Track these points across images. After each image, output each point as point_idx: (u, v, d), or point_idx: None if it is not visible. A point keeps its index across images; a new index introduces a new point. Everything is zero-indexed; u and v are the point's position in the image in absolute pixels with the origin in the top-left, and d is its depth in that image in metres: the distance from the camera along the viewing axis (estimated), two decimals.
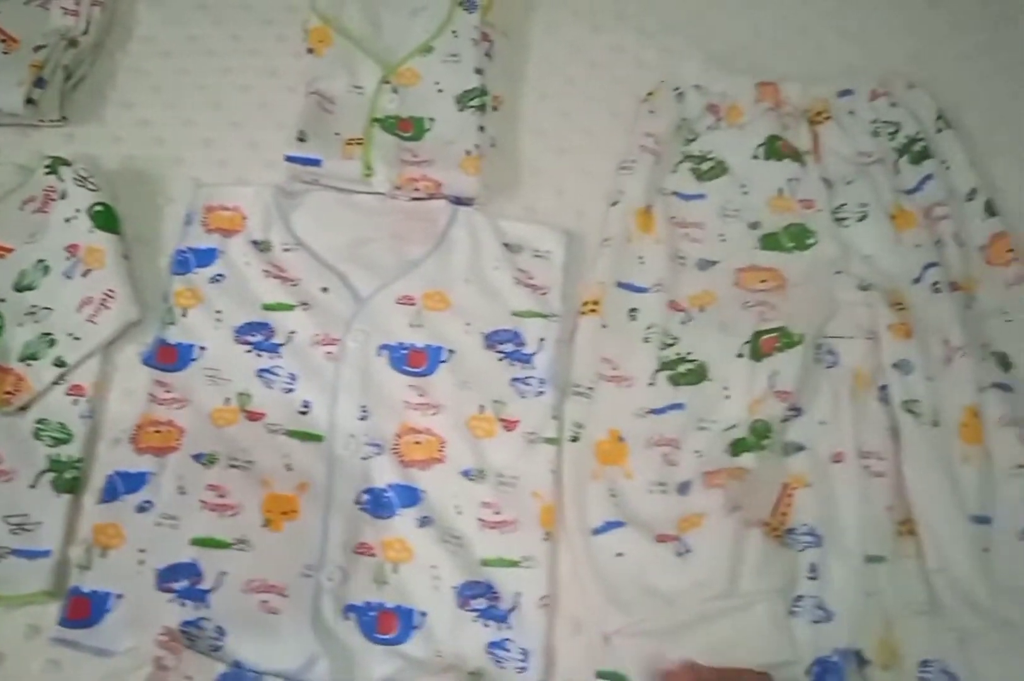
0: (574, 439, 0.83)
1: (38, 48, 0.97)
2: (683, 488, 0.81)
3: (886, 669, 0.75)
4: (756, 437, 0.80)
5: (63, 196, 0.90)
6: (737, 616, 0.75)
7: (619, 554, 0.78)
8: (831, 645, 0.75)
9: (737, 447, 0.80)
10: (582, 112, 1.02)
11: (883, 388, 0.84)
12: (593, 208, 0.95)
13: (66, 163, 0.92)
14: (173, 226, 0.93)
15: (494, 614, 0.78)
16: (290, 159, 0.92)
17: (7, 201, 0.92)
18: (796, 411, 0.84)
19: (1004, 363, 0.86)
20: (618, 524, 0.79)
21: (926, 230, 0.91)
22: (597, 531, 0.79)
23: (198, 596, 0.76)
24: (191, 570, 0.77)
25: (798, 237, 0.92)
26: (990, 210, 0.93)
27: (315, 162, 0.92)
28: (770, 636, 0.74)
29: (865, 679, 0.75)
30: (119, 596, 0.76)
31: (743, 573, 0.74)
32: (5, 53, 0.98)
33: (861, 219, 0.92)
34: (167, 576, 0.77)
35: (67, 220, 0.90)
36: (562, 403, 0.85)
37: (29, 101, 0.95)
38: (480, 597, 0.78)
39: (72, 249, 0.89)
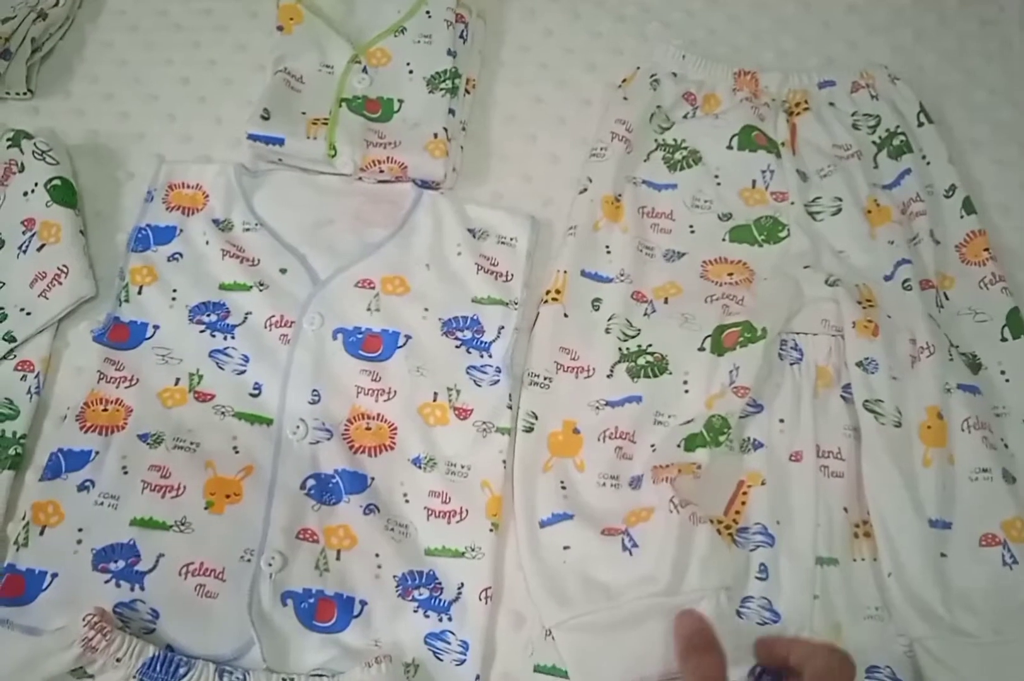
0: (528, 429, 0.81)
1: (6, 20, 0.96)
2: (635, 482, 0.79)
3: None
4: (712, 433, 0.78)
5: (21, 169, 0.89)
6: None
7: (565, 547, 0.76)
8: None
9: (691, 442, 0.78)
10: (555, 98, 1.00)
11: (847, 386, 0.82)
12: (561, 195, 0.93)
13: (28, 136, 0.90)
14: (134, 202, 0.92)
15: (435, 605, 0.76)
16: (252, 137, 0.91)
17: None
18: (757, 407, 0.82)
19: (973, 364, 0.84)
20: (566, 516, 0.77)
21: (901, 226, 0.88)
22: (544, 523, 0.77)
23: (134, 577, 0.75)
24: (129, 551, 0.76)
25: (769, 230, 0.90)
26: (968, 207, 0.90)
27: (278, 141, 0.90)
28: None
29: None
30: (54, 575, 0.75)
31: (689, 569, 0.72)
32: None
33: (835, 213, 0.90)
34: (104, 556, 0.75)
35: (24, 194, 0.89)
36: (518, 392, 0.83)
37: None
38: (422, 587, 0.76)
39: (28, 223, 0.88)
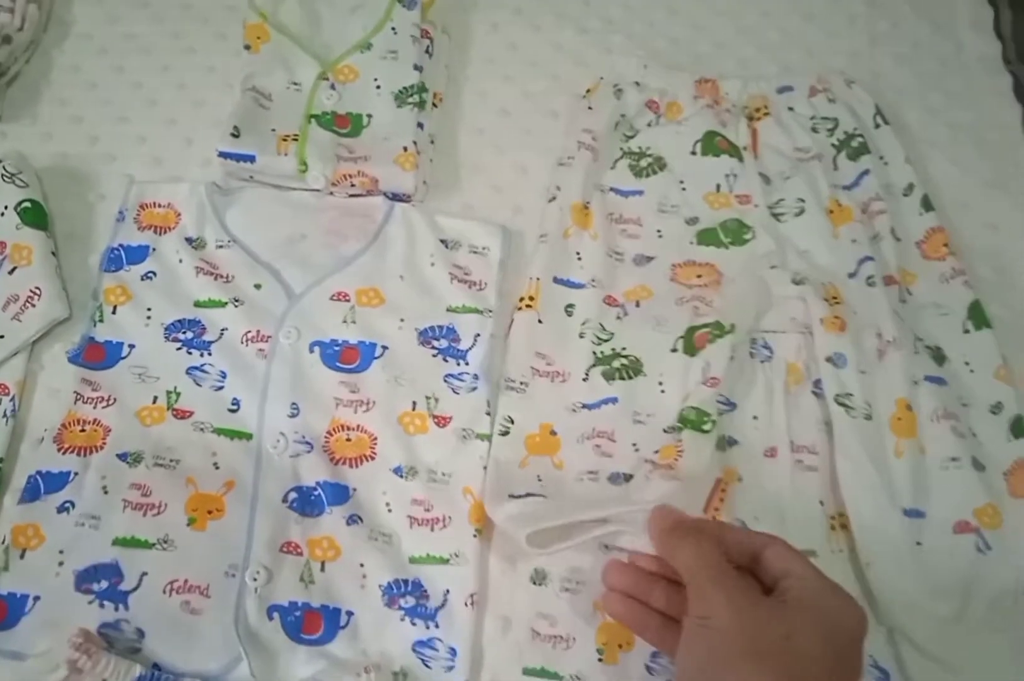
0: (504, 433, 0.81)
1: None
2: (615, 478, 0.79)
3: None
4: (691, 425, 0.79)
5: None
6: None
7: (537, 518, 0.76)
8: None
9: (675, 431, 0.80)
10: (521, 110, 1.01)
11: (817, 382, 0.83)
12: (531, 205, 0.95)
13: None
14: (105, 223, 0.92)
15: (422, 612, 0.76)
16: (223, 155, 0.91)
17: None
18: (730, 405, 0.83)
19: (938, 356, 0.85)
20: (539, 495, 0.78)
21: (863, 225, 0.90)
22: (514, 496, 0.77)
23: (118, 597, 0.75)
24: (112, 571, 0.76)
25: (735, 232, 0.91)
26: (927, 205, 0.92)
27: (249, 158, 0.91)
28: None
29: None
30: (36, 598, 0.74)
31: None
32: None
33: (798, 214, 0.91)
34: (87, 577, 0.75)
35: None
36: (496, 399, 0.84)
37: None
38: (408, 595, 0.76)
39: None
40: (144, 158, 0.97)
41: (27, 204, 0.88)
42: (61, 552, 0.76)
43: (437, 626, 0.76)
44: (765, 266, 0.88)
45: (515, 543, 0.74)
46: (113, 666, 0.70)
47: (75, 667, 0.69)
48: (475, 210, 0.95)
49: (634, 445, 0.81)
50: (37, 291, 0.85)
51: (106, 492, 0.78)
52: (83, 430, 0.81)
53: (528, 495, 0.78)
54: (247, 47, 0.98)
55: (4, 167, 0.89)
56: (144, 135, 0.98)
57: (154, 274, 0.88)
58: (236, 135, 0.91)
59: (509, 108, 1.02)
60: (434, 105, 0.98)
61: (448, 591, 0.77)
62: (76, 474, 0.79)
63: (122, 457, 0.80)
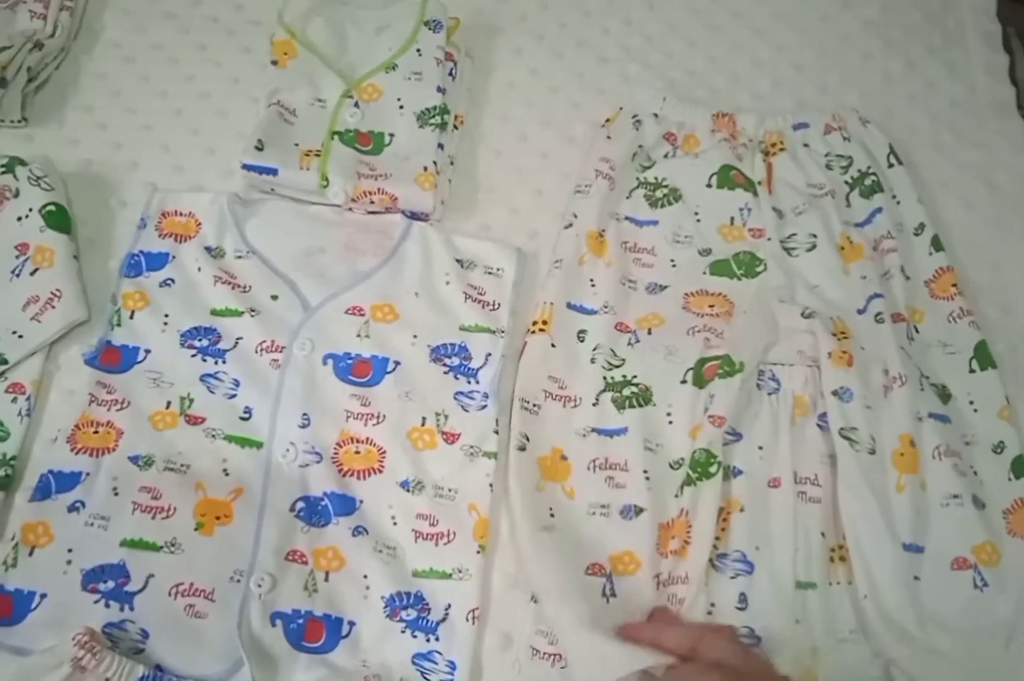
0: (521, 448, 0.83)
1: (2, 49, 0.97)
2: (626, 511, 0.80)
3: None
4: (700, 469, 0.80)
5: (16, 195, 0.90)
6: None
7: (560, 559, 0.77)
8: None
9: (683, 486, 0.81)
10: (540, 135, 1.03)
11: (823, 415, 0.85)
12: (546, 228, 0.96)
13: (23, 163, 0.92)
14: (126, 230, 0.93)
15: (423, 625, 0.77)
16: (247, 167, 0.92)
17: None
18: (736, 436, 0.84)
19: (943, 394, 0.87)
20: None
21: (873, 262, 0.92)
22: (545, 528, 0.79)
23: (124, 598, 0.76)
24: (119, 571, 0.77)
25: (747, 265, 0.93)
26: (936, 245, 0.94)
27: (272, 171, 0.92)
28: None
29: None
30: (43, 595, 0.75)
31: None
32: None
33: (810, 249, 0.93)
34: (94, 577, 0.76)
35: (19, 219, 0.90)
36: (505, 417, 0.85)
37: None
38: (410, 608, 0.77)
39: (22, 247, 0.89)
40: (166, 166, 0.98)
41: (52, 207, 0.89)
42: (70, 551, 0.77)
43: (437, 639, 0.77)
44: (775, 299, 0.89)
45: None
46: (116, 666, 0.70)
47: (79, 665, 0.70)
48: (491, 231, 0.97)
49: (645, 472, 0.82)
50: (58, 293, 0.86)
51: (116, 493, 0.79)
52: (96, 432, 0.82)
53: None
54: (274, 62, 0.99)
55: (31, 170, 0.91)
56: (167, 143, 1.00)
57: (173, 281, 0.90)
58: (260, 148, 0.93)
59: (528, 133, 1.03)
60: (455, 127, 1.00)
61: (450, 605, 0.78)
62: (88, 474, 0.80)
63: (134, 460, 0.81)
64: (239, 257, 0.92)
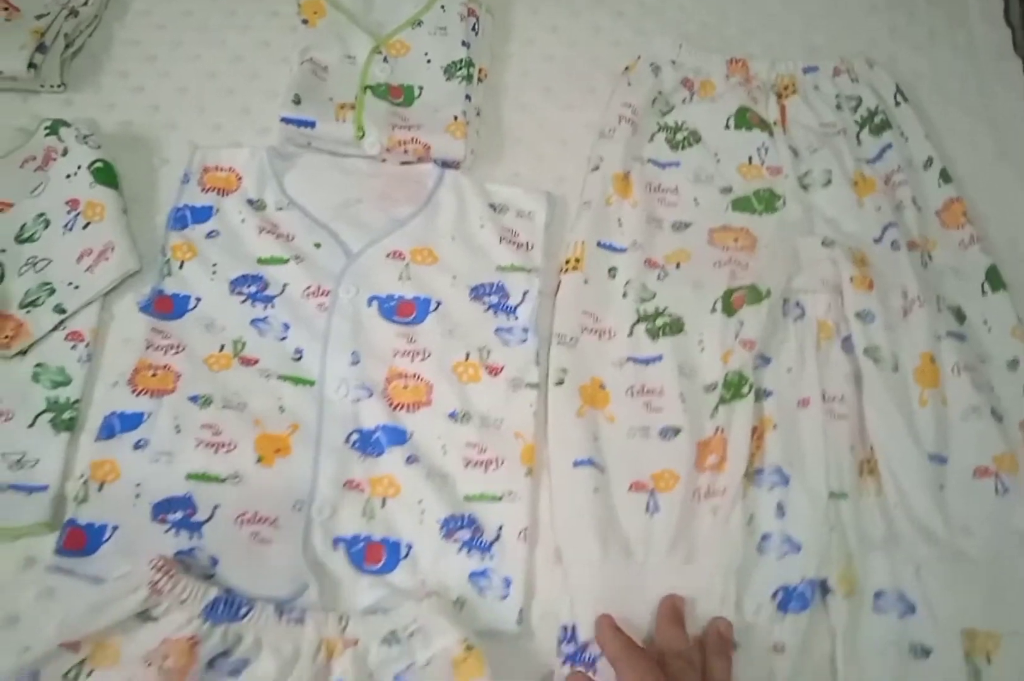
0: (559, 383, 0.86)
1: (40, 16, 1.00)
2: (665, 432, 0.85)
3: (846, 597, 0.79)
4: (733, 390, 0.85)
5: (64, 153, 0.93)
6: (691, 584, 0.79)
7: (595, 489, 0.81)
8: (799, 575, 0.79)
9: (718, 406, 0.85)
10: (561, 87, 1.07)
11: (846, 339, 0.89)
12: (572, 174, 1.00)
13: (66, 124, 0.95)
14: (169, 186, 0.96)
15: (477, 545, 0.81)
16: (285, 120, 0.96)
17: (7, 160, 0.95)
18: (766, 360, 0.88)
19: (958, 315, 0.91)
20: (597, 464, 0.83)
21: (886, 195, 0.96)
22: (578, 463, 0.82)
23: (192, 527, 0.79)
24: (185, 503, 0.80)
25: (767, 201, 0.97)
26: (945, 177, 0.99)
27: (309, 123, 0.96)
28: (719, 610, 0.78)
29: (826, 606, 0.80)
30: (115, 527, 0.78)
31: (699, 549, 0.80)
32: (7, 20, 1.00)
33: (825, 184, 0.98)
34: (162, 508, 0.80)
35: (68, 176, 0.93)
36: (544, 350, 0.89)
37: (31, 66, 0.98)
38: (464, 529, 0.81)
39: (72, 203, 0.92)
40: (204, 125, 1.02)
41: (99, 164, 0.93)
42: (137, 485, 0.80)
43: (491, 558, 0.81)
44: (795, 232, 0.94)
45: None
46: (190, 588, 0.74)
47: (156, 588, 0.73)
48: (520, 178, 1.01)
49: (681, 396, 0.86)
50: (110, 245, 0.90)
51: (179, 431, 0.83)
52: (155, 375, 0.86)
53: (588, 460, 0.83)
54: (304, 22, 1.03)
55: (78, 129, 0.94)
56: (203, 104, 1.03)
57: (218, 233, 0.93)
58: (297, 102, 0.96)
59: (550, 85, 1.08)
60: (479, 79, 1.04)
61: (501, 526, 0.82)
62: (150, 414, 0.84)
63: (193, 399, 0.85)
64: (280, 209, 0.95)
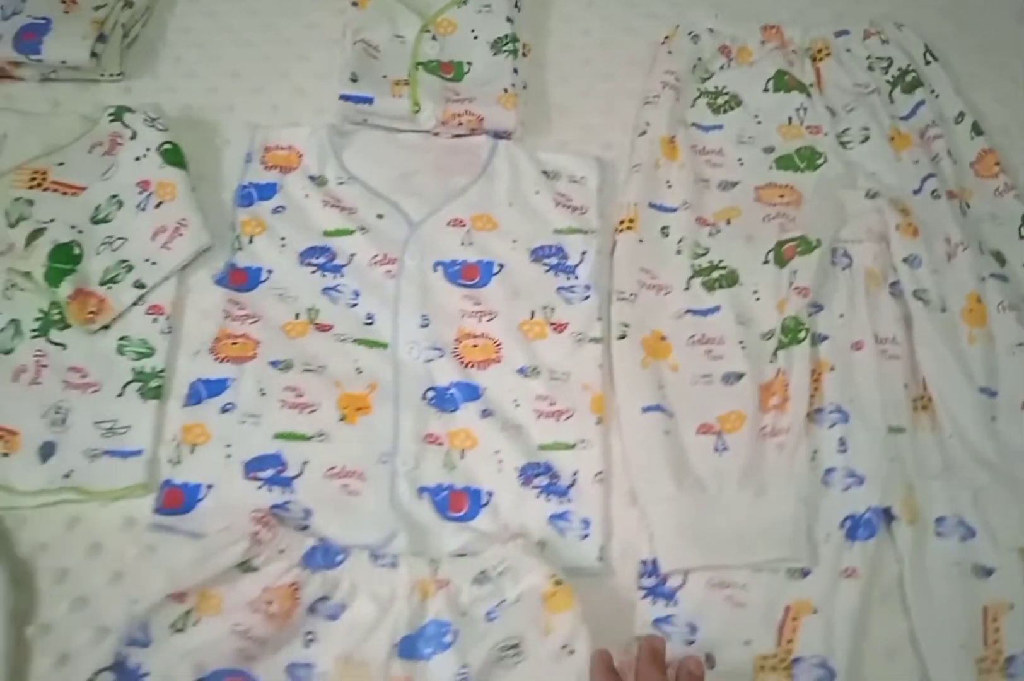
0: (622, 337, 0.90)
1: (98, 7, 1.04)
2: (727, 378, 0.89)
3: (910, 524, 0.83)
4: (790, 334, 0.89)
5: (133, 137, 0.97)
6: (764, 515, 0.82)
7: (666, 432, 0.85)
8: (864, 505, 0.83)
9: (777, 351, 0.89)
10: (601, 59, 1.11)
11: (894, 284, 0.93)
12: (618, 140, 1.05)
13: (129, 110, 0.99)
14: (233, 165, 1.01)
15: (555, 489, 0.85)
16: (345, 97, 1.00)
17: (75, 147, 0.98)
18: (818, 307, 0.92)
19: (999, 259, 0.96)
20: (665, 410, 0.87)
21: (922, 149, 1.01)
22: (646, 409, 0.86)
23: (283, 482, 0.83)
24: (275, 460, 0.84)
25: (808, 158, 1.01)
26: (976, 130, 1.03)
27: (367, 100, 1.00)
28: (793, 539, 0.82)
29: (891, 532, 0.84)
30: (209, 486, 0.83)
31: (768, 484, 0.83)
32: (66, 12, 1.04)
33: (863, 141, 1.02)
34: (253, 466, 0.84)
35: (137, 159, 0.97)
36: (605, 307, 0.93)
37: (93, 55, 1.02)
38: (541, 475, 0.85)
39: (144, 184, 0.96)
40: (261, 107, 1.06)
41: (167, 146, 0.97)
42: (228, 446, 0.85)
43: (570, 501, 0.85)
44: (838, 186, 0.98)
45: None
46: (288, 539, 0.78)
47: (256, 539, 0.77)
48: (569, 146, 1.05)
49: (740, 343, 0.90)
50: (184, 222, 0.94)
51: (263, 394, 0.87)
52: (235, 343, 0.90)
53: (656, 406, 0.87)
54: (354, 4, 1.07)
55: (146, 113, 0.98)
56: (258, 87, 1.07)
57: (284, 208, 0.97)
58: (354, 80, 1.01)
59: (591, 57, 1.12)
60: (524, 54, 1.08)
61: (577, 471, 0.86)
62: (234, 380, 0.88)
63: (274, 364, 0.89)
64: (341, 183, 0.99)
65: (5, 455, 0.83)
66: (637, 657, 0.72)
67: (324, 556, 0.78)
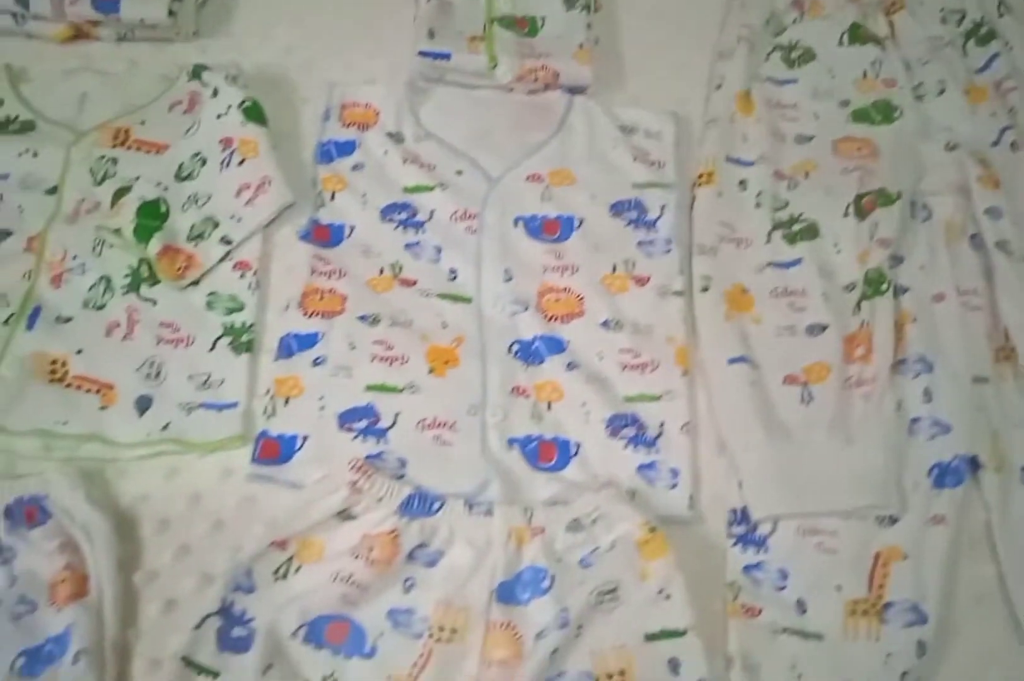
0: (704, 289, 0.92)
1: None
2: (811, 329, 0.90)
3: (997, 471, 0.85)
4: (873, 286, 0.90)
5: (214, 94, 0.98)
6: (853, 462, 0.83)
7: (752, 383, 0.87)
8: (951, 453, 0.84)
9: (860, 302, 0.90)
10: (672, 14, 1.12)
11: (974, 236, 0.94)
12: (692, 94, 1.05)
13: (206, 68, 0.99)
14: (311, 123, 1.02)
15: (642, 440, 0.86)
16: (423, 54, 1.01)
17: (156, 106, 1.00)
18: (898, 259, 0.93)
19: None
20: (750, 361, 0.88)
21: (998, 101, 1.01)
22: (732, 360, 0.88)
23: (377, 433, 0.85)
24: (368, 412, 0.86)
25: (884, 111, 1.02)
26: None
27: (445, 56, 1.01)
28: (882, 486, 0.83)
29: (978, 480, 0.85)
30: (305, 437, 0.84)
31: (855, 433, 0.84)
32: None
33: (939, 94, 1.02)
34: (347, 418, 0.85)
35: (219, 116, 0.98)
36: (687, 260, 0.94)
37: (171, 13, 1.02)
38: (628, 427, 0.87)
39: (226, 142, 0.97)
40: (337, 65, 1.07)
41: (248, 103, 0.97)
42: (321, 398, 0.86)
43: (657, 451, 0.86)
44: (916, 139, 0.99)
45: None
46: (386, 487, 0.80)
47: (355, 488, 0.79)
48: (642, 101, 1.05)
49: (823, 295, 0.91)
50: (267, 179, 0.95)
51: (353, 348, 0.89)
52: (322, 298, 0.91)
53: (740, 358, 0.88)
54: None
55: (226, 71, 0.99)
56: (333, 46, 1.08)
57: (363, 165, 0.98)
58: (431, 37, 1.01)
59: (662, 11, 1.12)
60: (596, 9, 1.08)
61: (663, 422, 0.87)
62: (323, 334, 0.89)
63: (362, 319, 0.90)
64: (418, 140, 1.00)
65: (103, 408, 0.85)
66: None
67: (421, 504, 0.80)
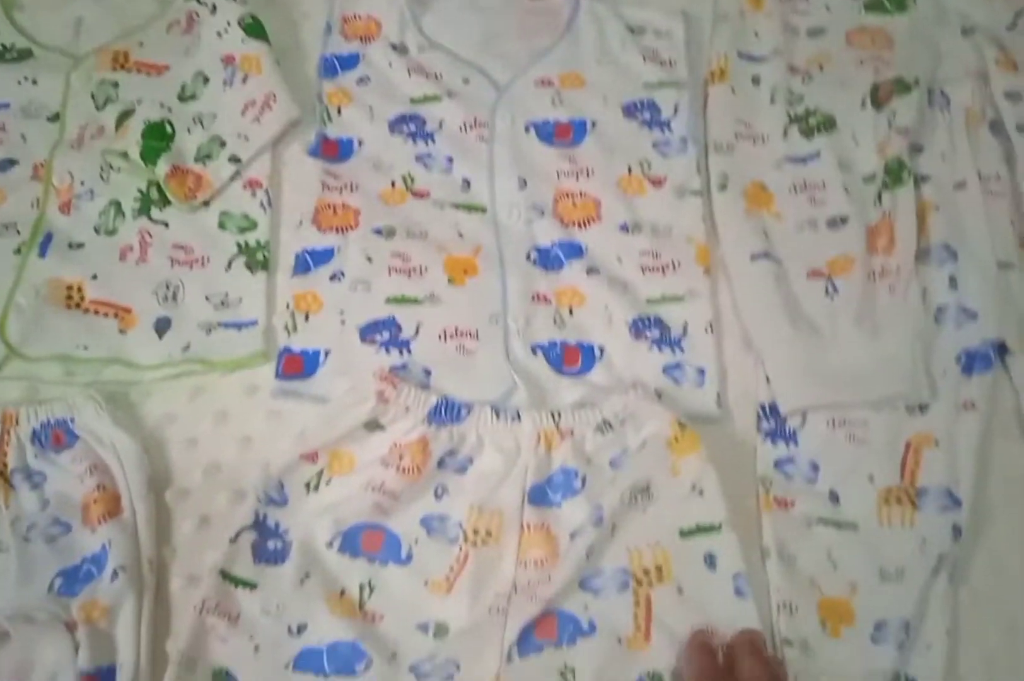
0: (722, 187, 0.90)
1: None
2: (832, 223, 0.88)
3: None
4: (894, 176, 0.88)
5: (213, 11, 0.96)
6: (880, 352, 0.83)
7: (776, 278, 0.86)
8: (979, 339, 0.84)
9: (881, 193, 0.88)
10: None
11: (993, 122, 0.92)
12: None
13: None
14: (312, 38, 1.00)
15: (666, 341, 0.86)
16: None
17: (153, 27, 0.98)
18: (918, 148, 0.91)
19: None
20: (772, 257, 0.87)
21: None
22: (755, 256, 0.87)
23: (400, 344, 0.85)
24: (390, 324, 0.85)
25: (897, 0, 0.99)
26: None
27: None
28: (911, 374, 0.82)
29: (1006, 365, 0.85)
30: (327, 352, 0.84)
31: (882, 324, 0.84)
32: None
33: None
34: (368, 331, 0.85)
35: (219, 34, 0.96)
36: (704, 159, 0.93)
37: None
38: (651, 328, 0.86)
39: (228, 59, 0.95)
40: None
41: (248, 19, 0.95)
42: (341, 312, 0.86)
43: (682, 351, 0.86)
44: (930, 25, 0.96)
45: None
46: (413, 396, 0.80)
47: (382, 397, 0.79)
48: (650, 1, 1.02)
49: (844, 187, 0.89)
50: (272, 95, 0.93)
51: (370, 261, 0.88)
52: (335, 213, 0.90)
53: (762, 254, 0.87)
54: None
55: None
56: None
57: (368, 78, 0.96)
58: None
59: None
60: None
61: (687, 322, 0.87)
62: (339, 248, 0.88)
63: (377, 232, 0.89)
64: (422, 51, 0.98)
65: (122, 332, 0.85)
66: (687, 649, 0.72)
67: (448, 412, 0.79)
